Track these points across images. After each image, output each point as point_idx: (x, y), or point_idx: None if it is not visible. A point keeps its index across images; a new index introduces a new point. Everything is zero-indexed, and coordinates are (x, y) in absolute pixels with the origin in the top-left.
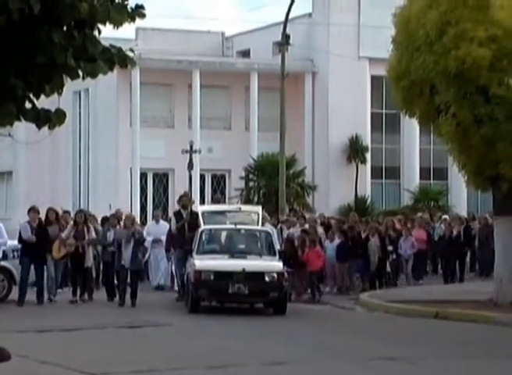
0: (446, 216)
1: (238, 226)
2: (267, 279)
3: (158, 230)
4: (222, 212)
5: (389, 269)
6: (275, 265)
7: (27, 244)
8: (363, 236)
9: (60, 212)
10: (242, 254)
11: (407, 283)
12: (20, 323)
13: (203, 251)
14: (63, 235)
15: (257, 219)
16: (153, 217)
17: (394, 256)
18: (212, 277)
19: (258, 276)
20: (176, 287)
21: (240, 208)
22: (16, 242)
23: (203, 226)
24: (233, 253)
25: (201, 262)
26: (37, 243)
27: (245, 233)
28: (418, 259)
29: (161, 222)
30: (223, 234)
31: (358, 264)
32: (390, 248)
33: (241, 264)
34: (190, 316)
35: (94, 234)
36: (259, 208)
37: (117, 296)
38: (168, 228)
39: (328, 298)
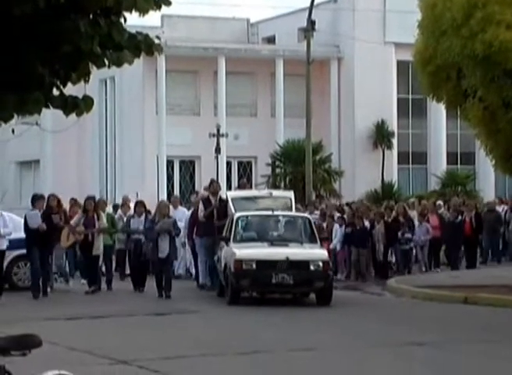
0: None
1: (276, 213)
2: (312, 268)
3: (175, 216)
4: (253, 198)
5: (391, 258)
6: (319, 253)
7: (34, 233)
8: (367, 224)
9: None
10: (283, 241)
11: (419, 271)
12: (49, 310)
13: (240, 240)
14: (72, 223)
15: (290, 204)
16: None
17: (412, 244)
18: (254, 267)
19: (303, 264)
20: (201, 277)
21: (271, 194)
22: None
23: (238, 213)
24: (273, 241)
25: (242, 251)
26: (44, 232)
27: (284, 220)
28: (432, 247)
29: (180, 208)
30: (260, 221)
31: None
32: (409, 235)
33: (284, 252)
34: (218, 304)
35: (104, 222)
36: (291, 194)
37: (144, 286)
38: (190, 215)
39: (356, 284)
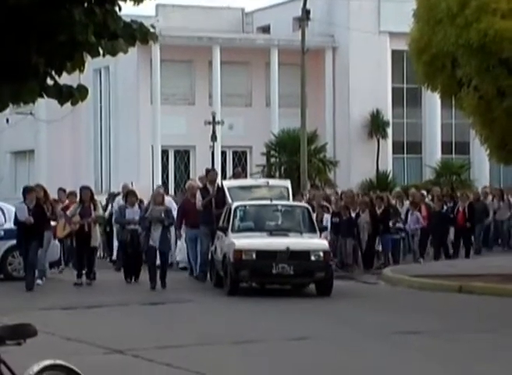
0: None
1: (274, 202)
2: (313, 258)
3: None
4: (249, 187)
5: (378, 247)
6: (320, 243)
7: (24, 225)
8: (353, 214)
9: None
10: (282, 231)
11: (414, 260)
12: (44, 300)
13: (238, 229)
14: (68, 213)
15: (286, 194)
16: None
17: (403, 234)
18: (254, 257)
19: (304, 255)
20: (194, 266)
21: (267, 183)
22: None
23: (236, 203)
24: (272, 231)
25: (241, 241)
26: (35, 224)
27: (282, 209)
28: (423, 238)
29: (166, 198)
30: (259, 211)
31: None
32: (400, 225)
33: (284, 242)
34: (214, 294)
35: (101, 212)
36: (288, 183)
37: (135, 277)
38: (181, 204)
39: (349, 274)
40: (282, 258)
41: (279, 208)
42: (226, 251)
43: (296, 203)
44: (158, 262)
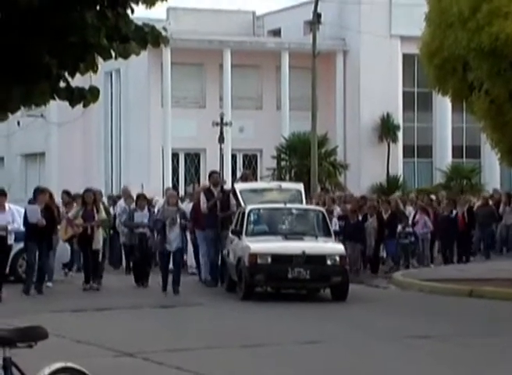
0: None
1: (289, 205)
2: (329, 262)
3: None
4: (262, 190)
5: (382, 253)
6: (336, 247)
7: (33, 227)
8: (360, 217)
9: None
10: (297, 235)
11: (424, 264)
12: (54, 303)
13: (252, 233)
14: (70, 215)
15: (299, 197)
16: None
17: (412, 239)
18: (270, 261)
19: (320, 259)
20: (203, 271)
21: (280, 186)
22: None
23: (250, 206)
24: (287, 234)
25: (256, 245)
26: (45, 226)
27: (297, 213)
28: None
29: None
30: (273, 214)
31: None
32: (409, 229)
33: (300, 246)
34: (225, 298)
35: (104, 215)
36: (301, 186)
37: (147, 281)
38: (192, 207)
39: (362, 277)
40: (298, 262)
41: (294, 211)
42: (241, 255)
43: (310, 207)
44: (170, 265)
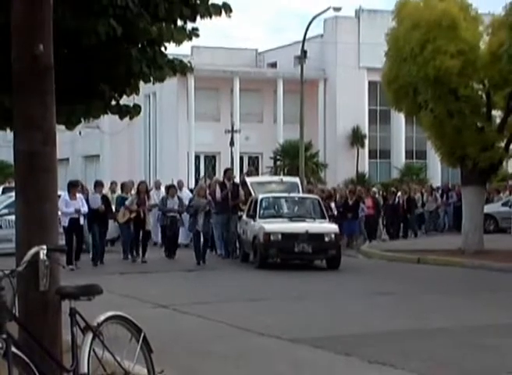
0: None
1: (292, 195)
2: (326, 239)
3: (181, 197)
4: (268, 183)
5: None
6: (332, 227)
7: (95, 212)
8: (350, 202)
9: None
10: (299, 218)
11: (363, 241)
12: (106, 268)
13: (263, 216)
14: (127, 203)
15: (297, 188)
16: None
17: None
18: (280, 238)
19: (319, 236)
20: (218, 248)
21: (281, 180)
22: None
23: (261, 195)
24: (291, 217)
25: (269, 226)
26: (103, 211)
27: (298, 200)
28: (369, 223)
29: (184, 189)
30: (279, 201)
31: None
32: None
33: (303, 226)
34: (240, 266)
35: (153, 201)
36: (297, 179)
37: (173, 254)
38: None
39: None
40: (302, 239)
41: (296, 199)
42: (256, 234)
43: (309, 195)
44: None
